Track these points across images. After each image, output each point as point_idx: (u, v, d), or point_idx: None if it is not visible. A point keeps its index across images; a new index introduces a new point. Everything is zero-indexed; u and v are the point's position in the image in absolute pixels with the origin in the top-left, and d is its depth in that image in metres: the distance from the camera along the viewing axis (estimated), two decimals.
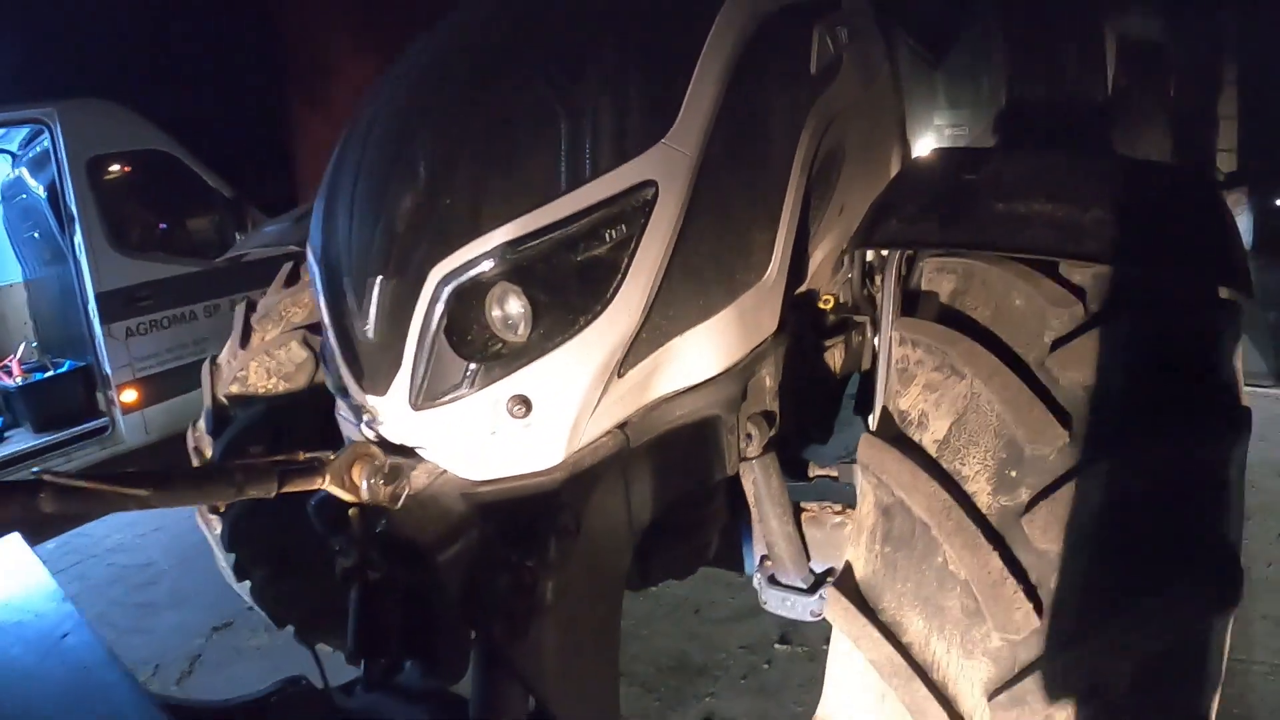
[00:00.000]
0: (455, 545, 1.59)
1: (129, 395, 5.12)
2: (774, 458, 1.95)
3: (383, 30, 6.20)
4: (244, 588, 2.70)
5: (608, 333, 1.51)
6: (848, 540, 1.89)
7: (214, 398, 2.77)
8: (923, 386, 1.43)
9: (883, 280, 1.85)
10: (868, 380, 2.30)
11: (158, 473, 1.42)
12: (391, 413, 1.56)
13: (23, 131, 5.40)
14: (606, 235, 1.50)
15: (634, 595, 3.40)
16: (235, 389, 2.71)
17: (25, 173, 5.35)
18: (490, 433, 1.53)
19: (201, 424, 2.81)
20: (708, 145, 1.60)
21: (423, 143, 1.58)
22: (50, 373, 5.29)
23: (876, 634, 1.29)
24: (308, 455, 1.57)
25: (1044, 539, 1.23)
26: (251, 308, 2.89)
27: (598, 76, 1.58)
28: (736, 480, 1.99)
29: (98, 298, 4.94)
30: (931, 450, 1.36)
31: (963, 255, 1.58)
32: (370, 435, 1.64)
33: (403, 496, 1.56)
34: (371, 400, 1.58)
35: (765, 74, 1.80)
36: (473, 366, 1.49)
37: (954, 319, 1.53)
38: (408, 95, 1.73)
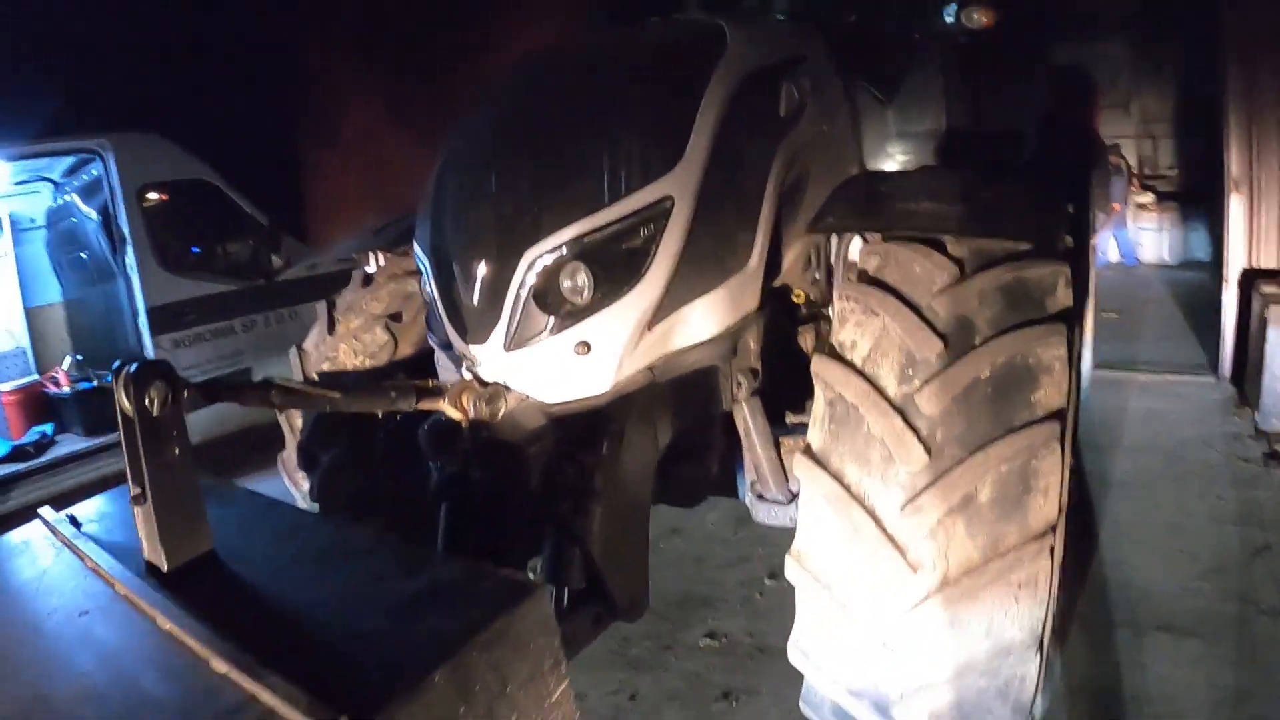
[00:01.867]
0: (536, 447, 2.38)
1: None
2: (759, 401, 2.75)
3: (384, 83, 7.18)
4: None
5: (642, 297, 2.34)
6: None
7: (305, 376, 3.54)
8: (853, 324, 2.24)
9: (834, 259, 2.67)
10: None
11: (343, 385, 2.20)
12: (489, 355, 2.36)
13: (65, 162, 6.18)
14: (640, 231, 2.34)
15: None
16: (327, 367, 3.47)
17: (77, 198, 6.11)
18: (561, 366, 2.33)
19: None
20: (706, 171, 2.44)
21: (514, 169, 2.41)
22: (99, 382, 6.01)
23: (828, 478, 2.08)
24: (434, 383, 2.38)
25: (929, 408, 2.03)
26: (331, 305, 3.67)
27: (634, 125, 2.42)
28: (730, 427, 2.77)
29: (148, 312, 5.70)
30: (859, 363, 2.16)
31: (882, 241, 2.40)
32: (468, 376, 2.44)
33: (500, 414, 2.36)
34: (473, 348, 2.38)
35: (746, 119, 2.64)
36: (551, 319, 2.30)
37: (876, 282, 2.35)
38: (497, 134, 2.56)
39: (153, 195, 5.82)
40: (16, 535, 1.90)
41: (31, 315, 6.51)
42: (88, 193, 5.99)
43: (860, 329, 2.22)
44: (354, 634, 1.40)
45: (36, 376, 6.32)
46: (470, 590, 1.50)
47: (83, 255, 6.22)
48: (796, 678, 2.27)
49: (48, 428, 5.96)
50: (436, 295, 2.50)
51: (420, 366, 3.21)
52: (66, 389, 6.05)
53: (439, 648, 1.29)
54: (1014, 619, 1.95)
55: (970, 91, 3.90)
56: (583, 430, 2.38)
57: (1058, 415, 2.04)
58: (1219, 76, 5.48)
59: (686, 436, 2.66)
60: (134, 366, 1.55)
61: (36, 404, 6.08)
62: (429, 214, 2.59)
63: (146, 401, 1.54)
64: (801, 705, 2.28)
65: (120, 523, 1.85)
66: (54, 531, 1.85)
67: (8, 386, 6.10)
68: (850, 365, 2.16)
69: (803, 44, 3.18)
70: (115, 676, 1.39)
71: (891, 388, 2.10)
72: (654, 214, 2.35)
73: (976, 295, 2.17)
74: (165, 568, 1.57)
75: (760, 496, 2.90)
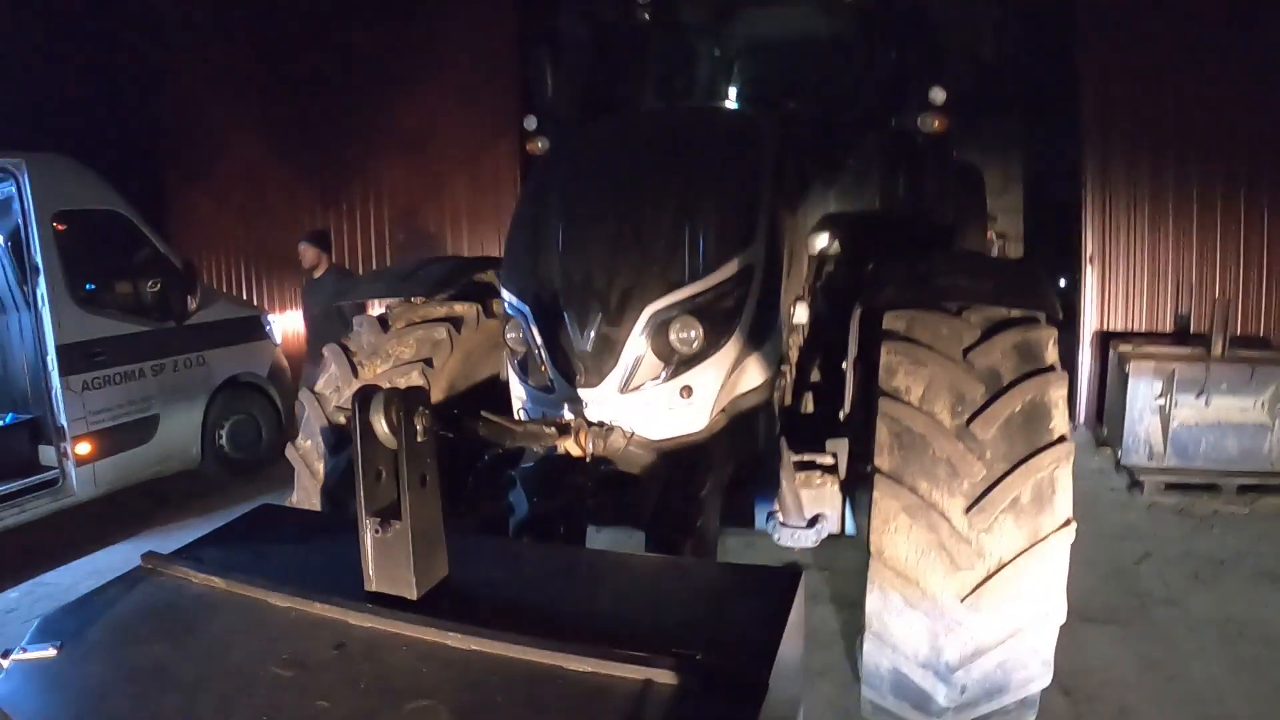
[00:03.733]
0: (651, 478, 2.93)
1: (82, 448, 5.69)
2: (784, 439, 3.46)
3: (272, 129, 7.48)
4: None
5: (733, 348, 3.00)
6: (828, 496, 3.43)
7: (328, 420, 3.82)
8: (903, 373, 2.97)
9: (851, 326, 3.41)
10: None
11: (521, 421, 2.66)
12: (601, 399, 2.87)
13: None
14: (735, 293, 3.00)
15: None
16: None
17: None
18: (667, 409, 2.92)
19: (306, 442, 3.80)
20: (767, 244, 3.14)
21: (627, 234, 2.97)
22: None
23: (906, 491, 2.78)
24: (563, 421, 2.84)
25: (980, 433, 2.79)
26: (344, 350, 3.92)
27: (725, 202, 3.10)
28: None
29: (58, 350, 5.56)
30: (916, 402, 2.90)
31: (909, 309, 3.16)
32: (570, 416, 2.91)
33: (621, 449, 2.88)
34: (584, 392, 2.88)
35: (774, 199, 3.37)
36: (664, 367, 2.89)
37: (907, 339, 3.10)
38: (599, 198, 3.14)
39: (66, 223, 5.69)
40: (125, 586, 1.80)
41: None
42: None
43: (911, 376, 2.97)
44: (673, 631, 1.51)
45: None
46: (756, 581, 1.82)
47: None
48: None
49: None
50: (540, 343, 2.96)
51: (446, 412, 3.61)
52: None
53: (770, 627, 1.52)
54: (1047, 588, 2.73)
55: (908, 183, 4.83)
56: (687, 462, 2.96)
57: (1066, 437, 2.87)
58: (1079, 161, 6.83)
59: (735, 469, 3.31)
60: (390, 392, 1.62)
61: None
62: (530, 267, 3.08)
63: (416, 427, 1.63)
64: (863, 689, 2.96)
65: (255, 558, 1.90)
66: (183, 575, 1.81)
67: None
68: (910, 404, 2.91)
69: (782, 132, 3.98)
70: (464, 706, 1.39)
71: (948, 420, 2.86)
72: (743, 278, 3.03)
73: (1000, 351, 2.99)
74: (415, 595, 1.63)
75: (782, 523, 3.58)
